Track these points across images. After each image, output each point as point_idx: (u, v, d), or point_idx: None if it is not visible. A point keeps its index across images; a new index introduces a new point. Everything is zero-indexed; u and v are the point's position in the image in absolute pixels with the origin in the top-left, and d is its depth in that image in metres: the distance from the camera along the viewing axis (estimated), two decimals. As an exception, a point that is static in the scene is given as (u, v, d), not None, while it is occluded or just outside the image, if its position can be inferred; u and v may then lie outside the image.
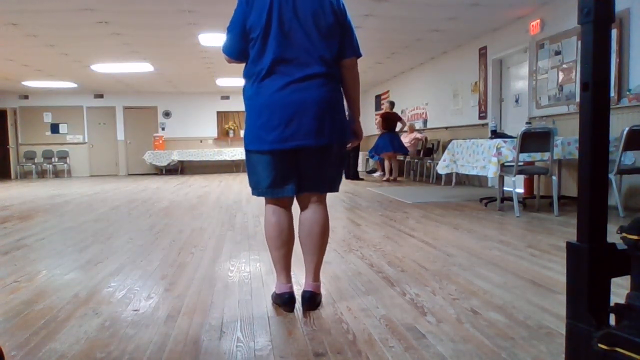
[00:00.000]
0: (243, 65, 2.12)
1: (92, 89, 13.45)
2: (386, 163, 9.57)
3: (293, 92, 1.96)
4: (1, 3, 5.77)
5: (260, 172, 2.06)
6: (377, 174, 11.11)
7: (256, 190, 2.13)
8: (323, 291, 2.31)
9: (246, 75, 2.07)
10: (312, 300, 2.12)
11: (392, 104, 9.88)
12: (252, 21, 1.96)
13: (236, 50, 2.05)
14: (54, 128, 14.31)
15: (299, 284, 2.43)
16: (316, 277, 2.16)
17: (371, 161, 11.88)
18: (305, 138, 1.97)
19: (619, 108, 5.07)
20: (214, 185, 9.44)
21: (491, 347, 1.69)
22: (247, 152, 2.09)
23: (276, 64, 1.96)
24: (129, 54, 8.80)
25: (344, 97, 2.14)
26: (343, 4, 2.06)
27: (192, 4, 5.96)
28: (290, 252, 2.17)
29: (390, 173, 9.46)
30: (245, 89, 2.08)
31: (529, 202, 5.43)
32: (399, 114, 10.47)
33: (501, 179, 5.05)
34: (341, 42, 2.04)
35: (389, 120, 9.56)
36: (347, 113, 2.17)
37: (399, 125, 9.76)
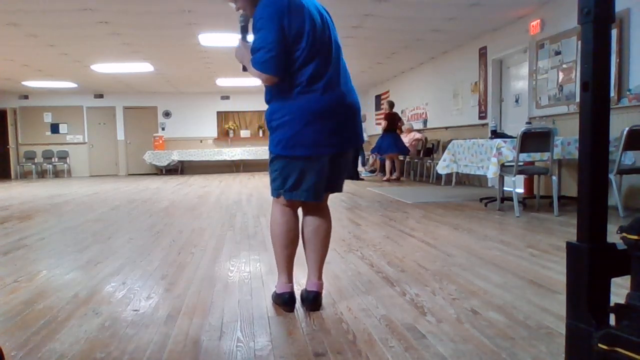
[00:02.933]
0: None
1: (92, 89, 13.45)
2: (387, 163, 9.55)
3: (344, 98, 2.06)
4: (1, 3, 5.78)
5: (303, 176, 2.03)
6: (371, 174, 11.06)
7: (288, 193, 2.06)
8: (323, 291, 2.31)
9: (288, 85, 1.99)
10: (316, 300, 2.12)
11: (390, 105, 9.84)
12: (294, 30, 1.92)
13: (282, 67, 1.94)
14: (54, 128, 14.30)
15: (299, 284, 2.44)
16: (319, 276, 2.16)
17: (371, 160, 11.86)
18: (353, 141, 2.11)
19: (619, 108, 5.07)
20: (214, 185, 9.44)
21: (491, 347, 1.69)
22: (292, 157, 2.02)
23: (323, 71, 1.99)
24: (129, 54, 8.80)
25: None
26: None
27: (192, 4, 5.96)
28: (294, 253, 2.16)
29: (391, 173, 9.45)
30: (286, 98, 2.00)
31: (529, 202, 5.43)
32: (400, 113, 10.48)
33: (501, 179, 5.04)
34: None
35: (392, 120, 9.55)
36: None
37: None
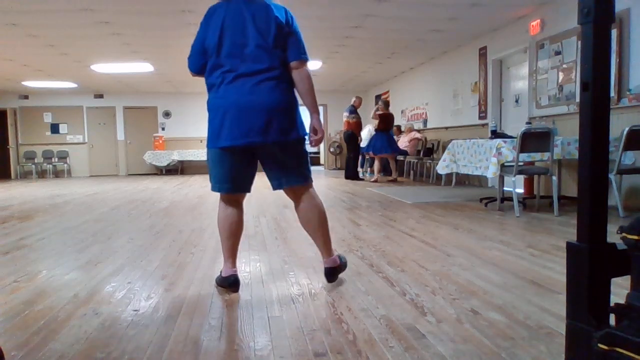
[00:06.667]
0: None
1: (92, 89, 13.45)
2: (376, 163, 9.33)
3: (245, 96, 2.20)
4: (1, 3, 5.78)
5: (217, 168, 2.34)
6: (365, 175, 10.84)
7: (215, 186, 2.39)
8: (323, 291, 2.32)
9: (207, 85, 2.31)
10: (332, 274, 2.42)
11: (386, 104, 9.50)
12: (208, 40, 2.23)
13: (196, 66, 2.31)
14: (54, 128, 14.29)
15: (300, 284, 2.44)
16: (329, 252, 2.41)
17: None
18: (256, 136, 2.21)
19: (619, 108, 5.07)
20: (214, 185, 9.41)
21: (491, 347, 1.69)
22: (208, 150, 2.35)
23: (229, 73, 2.22)
24: (129, 54, 8.80)
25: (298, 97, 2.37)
26: (289, 15, 2.28)
27: (192, 4, 5.96)
28: (238, 242, 2.45)
29: (380, 173, 9.33)
30: (208, 97, 2.33)
31: (529, 202, 5.43)
32: (400, 113, 10.41)
33: (501, 179, 5.04)
34: (287, 48, 2.28)
35: (386, 120, 9.27)
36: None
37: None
